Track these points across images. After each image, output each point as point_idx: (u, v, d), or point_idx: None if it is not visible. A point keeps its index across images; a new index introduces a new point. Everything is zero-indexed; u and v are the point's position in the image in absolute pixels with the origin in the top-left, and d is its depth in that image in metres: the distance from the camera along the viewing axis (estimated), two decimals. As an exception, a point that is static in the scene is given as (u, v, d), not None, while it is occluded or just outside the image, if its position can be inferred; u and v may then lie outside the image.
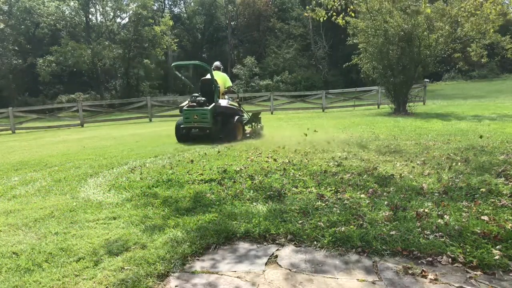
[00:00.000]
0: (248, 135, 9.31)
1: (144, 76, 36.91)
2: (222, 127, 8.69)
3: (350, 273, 2.50)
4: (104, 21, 40.65)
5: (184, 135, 8.86)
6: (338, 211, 3.38)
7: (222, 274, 2.56)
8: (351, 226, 3.05)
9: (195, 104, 8.58)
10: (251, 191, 4.15)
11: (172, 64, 9.65)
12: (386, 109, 17.37)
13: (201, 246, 2.92)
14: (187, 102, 8.94)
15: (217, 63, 9.65)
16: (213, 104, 8.55)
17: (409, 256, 2.65)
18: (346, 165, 5.17)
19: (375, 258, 2.67)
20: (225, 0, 43.56)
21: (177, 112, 20.88)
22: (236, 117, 8.84)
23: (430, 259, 2.57)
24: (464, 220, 3.03)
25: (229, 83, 9.43)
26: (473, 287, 2.27)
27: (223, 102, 8.80)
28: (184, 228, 3.23)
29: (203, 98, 8.64)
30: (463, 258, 2.53)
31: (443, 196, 3.72)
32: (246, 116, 9.61)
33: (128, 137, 11.36)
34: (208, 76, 8.91)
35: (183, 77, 10.53)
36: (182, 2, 49.61)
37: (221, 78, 9.14)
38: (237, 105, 9.38)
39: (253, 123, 9.74)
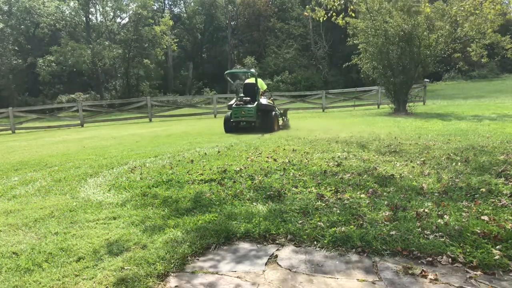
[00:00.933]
0: (281, 127, 11.52)
1: (144, 76, 36.91)
2: (263, 120, 10.79)
3: (350, 273, 2.50)
4: (104, 21, 40.66)
5: (233, 127, 10.93)
6: (338, 211, 3.38)
7: (222, 274, 2.56)
8: (351, 226, 3.05)
9: (242, 102, 10.76)
10: (251, 191, 4.15)
11: (225, 72, 12.08)
12: (386, 109, 17.36)
13: (201, 246, 2.92)
14: (234, 100, 11.17)
15: (252, 70, 12.22)
16: (256, 102, 10.69)
17: (409, 256, 2.65)
18: (346, 165, 5.17)
19: (375, 258, 2.67)
20: (225, 0, 43.56)
21: (177, 112, 21.02)
22: (273, 113, 11.00)
23: (430, 259, 2.57)
24: (464, 220, 3.02)
25: (265, 87, 11.96)
26: (473, 287, 2.27)
27: (264, 100, 10.93)
28: (184, 228, 3.23)
29: (248, 98, 10.77)
30: (463, 258, 2.53)
31: (443, 196, 3.71)
32: (278, 112, 11.69)
33: (128, 137, 11.36)
34: (248, 80, 11.53)
35: (233, 82, 12.52)
36: (182, 2, 49.65)
37: (260, 83, 11.34)
38: (272, 103, 11.53)
39: (283, 117, 11.98)
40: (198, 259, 2.78)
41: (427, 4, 13.16)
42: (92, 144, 10.08)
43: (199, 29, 46.62)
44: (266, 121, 10.73)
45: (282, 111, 12.00)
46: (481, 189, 3.78)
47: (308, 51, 40.68)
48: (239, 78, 12.57)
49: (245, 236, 3.10)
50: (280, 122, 11.63)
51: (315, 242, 2.91)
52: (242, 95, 11.08)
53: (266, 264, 2.68)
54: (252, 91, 10.91)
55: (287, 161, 5.60)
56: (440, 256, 2.59)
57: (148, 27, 35.95)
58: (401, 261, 2.60)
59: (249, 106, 10.57)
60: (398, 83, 15.10)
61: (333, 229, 3.02)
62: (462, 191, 3.79)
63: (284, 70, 37.59)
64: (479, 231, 2.79)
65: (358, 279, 2.41)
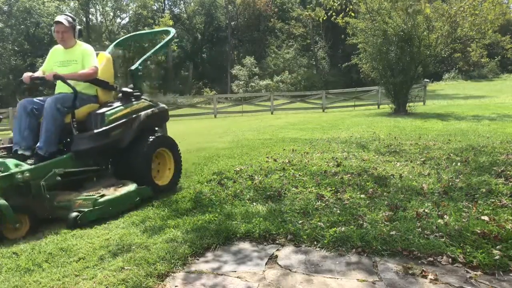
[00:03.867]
0: None
1: (144, 76, 36.92)
2: None
3: (350, 273, 2.50)
4: (104, 21, 40.68)
5: None
6: (338, 211, 3.38)
7: (222, 274, 2.56)
8: (351, 226, 3.05)
9: None
10: (251, 191, 4.15)
11: None
12: (386, 109, 17.35)
13: (201, 246, 2.92)
14: None
15: None
16: None
17: (409, 256, 2.64)
18: (346, 165, 5.17)
19: (375, 258, 2.66)
20: (225, 0, 43.57)
21: (177, 112, 20.97)
22: None
23: (431, 259, 2.57)
24: (464, 220, 3.02)
25: None
26: (473, 287, 2.27)
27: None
28: (184, 228, 3.23)
29: None
30: (463, 258, 2.53)
31: (443, 196, 3.71)
32: None
33: (128, 137, 11.33)
34: None
35: None
36: (182, 2, 49.68)
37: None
38: None
39: None
40: (198, 259, 2.79)
41: (427, 4, 13.14)
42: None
43: (199, 29, 46.64)
44: None
45: None
46: (481, 189, 3.78)
47: (308, 51, 40.71)
48: None
49: (245, 236, 3.10)
50: None
51: (315, 242, 2.91)
52: None
53: (266, 264, 2.68)
54: None
55: (287, 161, 5.60)
56: (440, 256, 2.58)
57: (148, 27, 35.98)
58: (401, 261, 2.60)
59: None
60: (398, 83, 15.08)
61: (333, 229, 3.02)
62: (462, 191, 3.79)
63: (284, 70, 37.60)
64: (479, 231, 2.79)
65: (358, 279, 2.41)
